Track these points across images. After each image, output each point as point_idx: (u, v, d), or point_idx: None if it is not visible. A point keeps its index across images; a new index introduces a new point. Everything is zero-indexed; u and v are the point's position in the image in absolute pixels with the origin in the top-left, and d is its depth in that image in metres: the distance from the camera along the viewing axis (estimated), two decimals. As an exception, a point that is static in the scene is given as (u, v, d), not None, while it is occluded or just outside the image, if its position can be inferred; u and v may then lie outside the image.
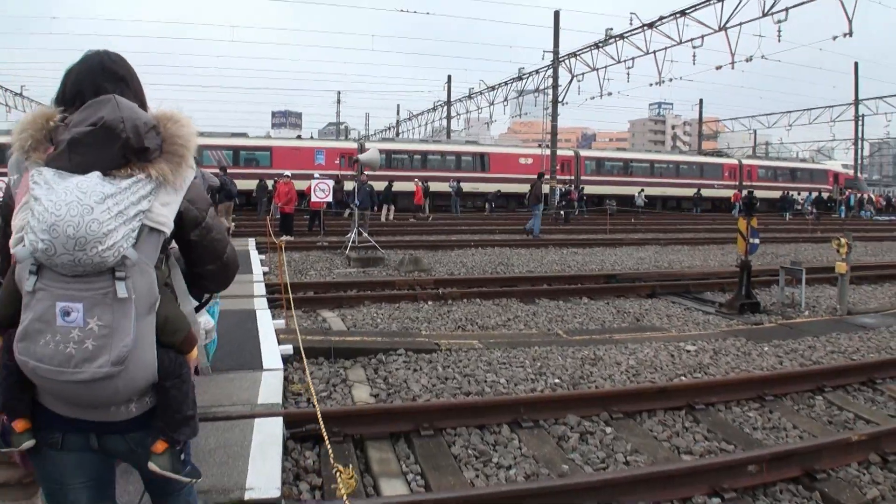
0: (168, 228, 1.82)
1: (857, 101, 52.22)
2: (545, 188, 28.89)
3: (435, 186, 37.41)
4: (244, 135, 39.98)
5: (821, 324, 10.74)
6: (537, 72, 42.12)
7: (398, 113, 72.86)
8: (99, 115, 1.77)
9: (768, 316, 11.53)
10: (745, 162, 54.22)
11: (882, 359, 8.32)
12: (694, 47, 30.00)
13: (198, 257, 2.04)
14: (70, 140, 1.75)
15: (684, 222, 36.14)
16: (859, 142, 55.69)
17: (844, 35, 24.63)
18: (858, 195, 52.23)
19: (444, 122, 59.38)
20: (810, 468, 5.09)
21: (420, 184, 35.02)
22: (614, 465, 5.11)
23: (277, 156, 37.42)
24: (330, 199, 19.24)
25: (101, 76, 1.98)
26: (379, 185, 28.69)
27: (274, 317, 8.38)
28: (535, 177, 27.15)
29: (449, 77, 55.17)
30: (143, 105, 2.00)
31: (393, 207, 33.20)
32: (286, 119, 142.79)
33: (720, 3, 27.78)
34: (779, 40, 25.88)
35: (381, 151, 40.39)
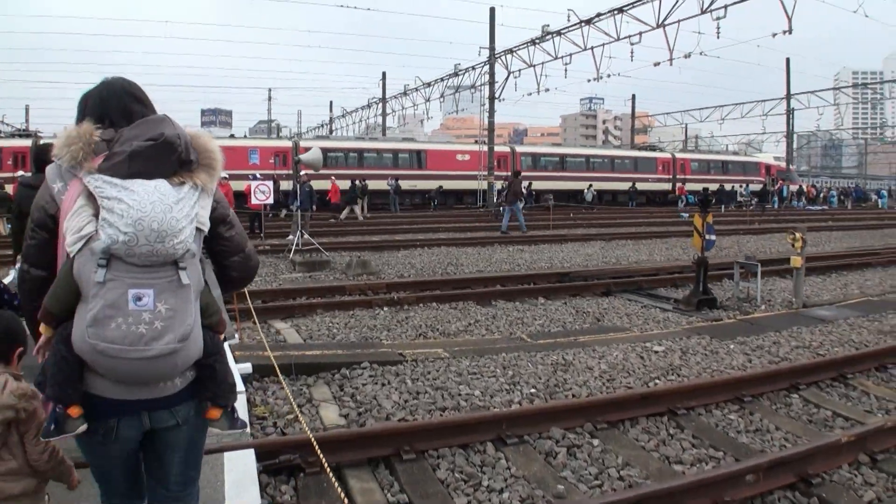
0: (207, 227, 2.15)
1: (788, 96, 53.72)
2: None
3: (372, 184, 36.82)
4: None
5: (780, 318, 10.75)
6: (473, 68, 41.90)
7: (331, 110, 71.90)
8: (159, 131, 2.05)
9: (726, 311, 11.48)
10: (678, 155, 55.26)
11: (850, 354, 8.30)
12: (632, 44, 30.17)
13: (225, 250, 2.32)
14: (131, 152, 2.01)
15: (624, 216, 36.41)
16: (791, 135, 57.27)
17: (784, 32, 25.06)
18: (791, 186, 53.81)
19: (378, 119, 58.85)
20: (805, 473, 4.96)
21: (334, 181, 34.00)
22: (609, 482, 4.83)
23: None
24: (271, 200, 18.52)
25: (126, 98, 2.26)
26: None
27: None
28: (512, 175, 27.40)
29: (384, 74, 54.64)
30: None
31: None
32: (216, 117, 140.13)
33: (658, 1, 28.00)
34: (717, 37, 26.23)
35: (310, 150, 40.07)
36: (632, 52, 30.33)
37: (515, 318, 10.19)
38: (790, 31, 24.73)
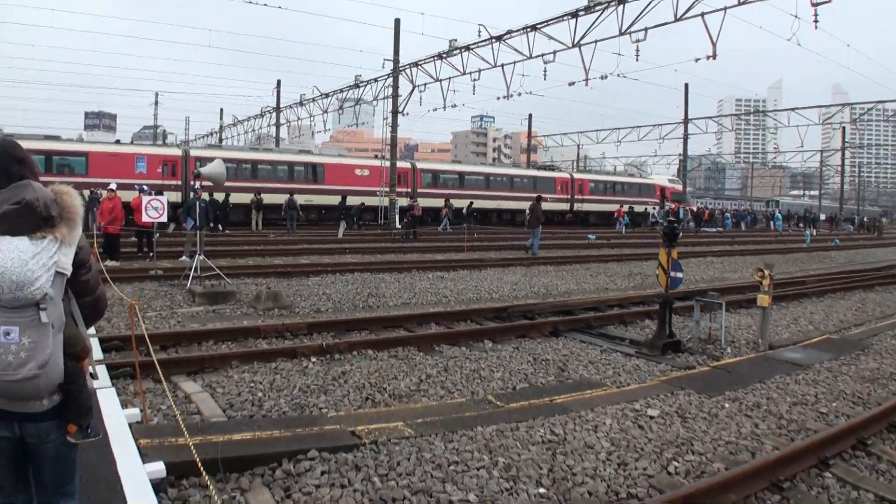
0: (69, 271, 2.55)
1: (686, 120, 54.78)
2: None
3: (266, 198, 34.57)
4: (57, 138, 34.97)
5: (753, 364, 9.75)
6: (376, 80, 40.29)
7: (222, 117, 68.21)
8: (21, 196, 2.50)
9: (692, 356, 10.42)
10: (576, 176, 55.48)
11: (864, 417, 7.26)
12: (545, 63, 29.38)
13: (79, 290, 2.70)
14: (1, 214, 2.46)
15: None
16: (686, 158, 58.53)
17: (708, 58, 24.78)
18: (687, 208, 54.89)
19: (270, 130, 56.20)
20: None
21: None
22: None
23: (94, 162, 32.89)
24: (164, 218, 16.15)
25: (7, 161, 2.65)
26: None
27: (121, 398, 5.93)
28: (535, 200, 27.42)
29: (278, 82, 51.93)
30: (36, 173, 2.74)
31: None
32: (100, 120, 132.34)
33: (574, 20, 27.27)
34: (637, 59, 25.70)
35: (204, 159, 37.20)
36: (545, 71, 29.56)
37: (471, 372, 8.60)
38: (714, 57, 24.48)
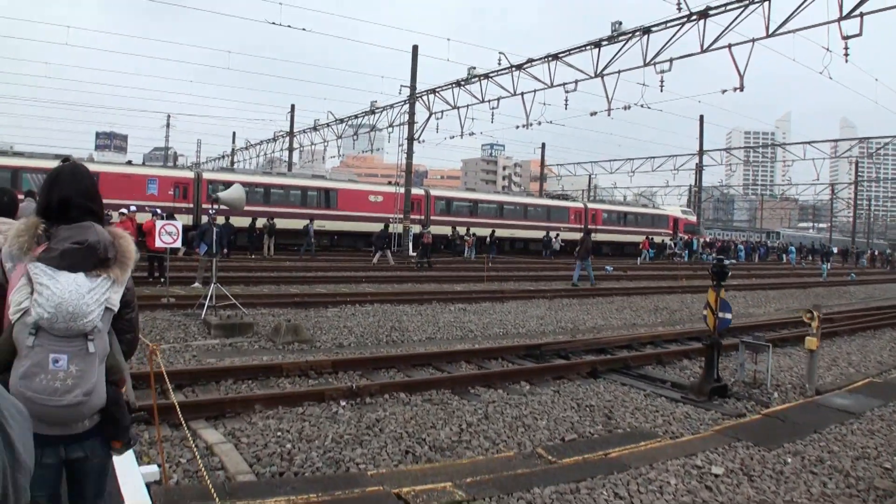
0: (117, 308, 2.71)
1: (701, 152, 54.30)
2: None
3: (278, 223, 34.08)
4: (67, 158, 34.45)
5: (803, 411, 9.07)
6: (392, 106, 39.91)
7: (234, 141, 67.99)
8: (84, 237, 2.66)
9: (738, 401, 9.72)
10: (590, 206, 54.88)
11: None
12: (566, 91, 28.88)
13: (123, 328, 2.84)
14: (63, 251, 2.60)
15: (549, 269, 34.87)
16: (701, 190, 57.96)
17: (735, 89, 24.25)
18: (701, 239, 54.22)
19: (282, 153, 55.93)
20: None
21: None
22: None
23: (105, 183, 32.25)
24: (179, 243, 15.53)
25: (85, 197, 2.84)
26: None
27: (136, 448, 5.27)
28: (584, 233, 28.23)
29: (292, 106, 51.71)
30: (101, 211, 2.96)
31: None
32: (111, 141, 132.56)
33: (597, 50, 26.84)
34: (661, 90, 25.18)
35: (217, 182, 36.76)
36: (566, 100, 29.05)
37: (513, 419, 7.92)
38: (742, 88, 23.94)
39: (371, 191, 42.43)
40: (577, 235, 52.12)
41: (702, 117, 54.18)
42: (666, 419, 8.67)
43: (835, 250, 72.20)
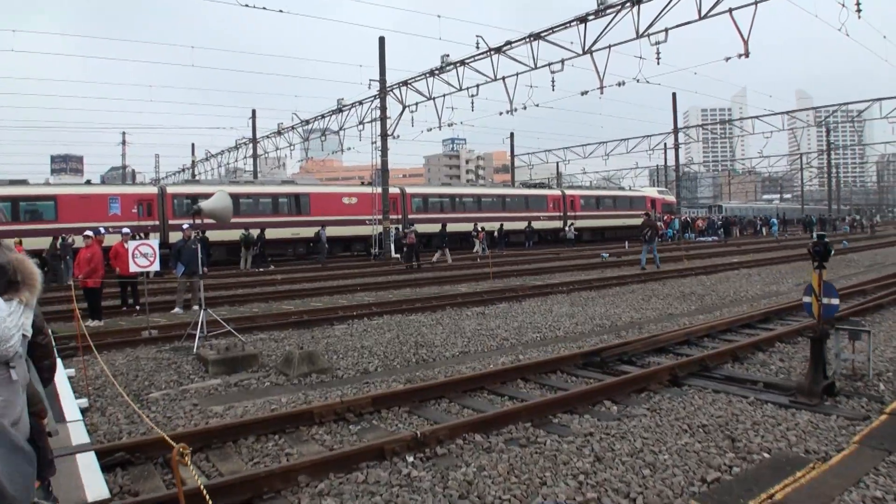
0: (31, 333, 2.66)
1: (675, 130, 52.99)
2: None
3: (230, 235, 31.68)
4: (24, 182, 32.03)
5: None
6: (360, 102, 37.80)
7: (193, 152, 65.10)
8: None
9: (848, 399, 8.11)
10: (567, 192, 53.35)
11: None
12: (553, 72, 27.09)
13: (41, 354, 2.93)
14: None
15: (542, 260, 33.15)
16: (679, 168, 56.66)
17: (739, 56, 22.67)
18: (682, 218, 52.99)
19: (243, 162, 53.51)
20: None
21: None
22: None
23: (64, 206, 30.06)
24: (157, 266, 13.32)
25: None
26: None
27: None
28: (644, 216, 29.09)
29: (253, 111, 49.17)
30: None
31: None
32: (67, 164, 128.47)
33: (583, 25, 25.08)
34: (658, 62, 23.51)
35: (181, 196, 34.41)
36: (552, 81, 27.24)
37: (629, 457, 6.08)
38: (747, 55, 22.37)
39: (345, 192, 40.33)
40: (556, 224, 50.90)
41: (674, 95, 52.88)
42: (796, 434, 6.95)
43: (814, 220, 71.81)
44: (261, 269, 30.40)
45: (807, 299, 8.70)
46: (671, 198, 63.41)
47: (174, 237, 29.09)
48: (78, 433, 6.17)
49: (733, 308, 16.01)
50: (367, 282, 22.91)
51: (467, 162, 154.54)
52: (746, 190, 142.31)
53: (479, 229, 40.21)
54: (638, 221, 56.49)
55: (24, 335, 2.59)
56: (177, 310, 16.66)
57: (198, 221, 12.35)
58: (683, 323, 13.85)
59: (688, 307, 16.28)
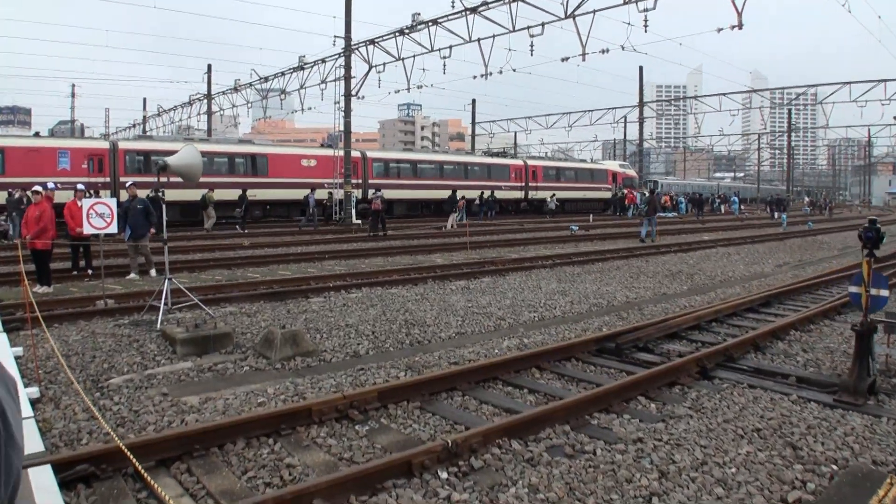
0: None
1: (641, 104, 52.34)
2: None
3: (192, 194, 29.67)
4: None
5: None
6: (324, 60, 36.07)
7: (145, 107, 62.16)
8: None
9: (889, 397, 7.47)
10: (530, 163, 52.44)
11: None
12: (532, 36, 25.88)
13: None
14: None
15: (505, 230, 32.17)
16: (642, 143, 56.15)
17: (732, 28, 21.85)
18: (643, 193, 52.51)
19: (195, 120, 51.24)
20: None
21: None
22: None
23: (11, 159, 28.03)
24: (114, 228, 11.81)
25: None
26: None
27: None
28: (649, 192, 30.26)
29: (209, 66, 46.73)
30: None
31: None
32: (14, 116, 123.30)
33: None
34: (645, 30, 22.53)
35: (133, 152, 32.45)
36: (531, 46, 26.04)
37: (693, 470, 5.17)
38: (740, 26, 21.55)
39: (303, 154, 38.73)
40: (518, 194, 50.04)
41: (641, 68, 52.25)
42: (856, 441, 6.18)
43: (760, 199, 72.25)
44: (246, 231, 29.25)
45: (854, 289, 7.87)
46: (632, 172, 63.12)
47: (126, 195, 27.38)
48: (29, 435, 4.99)
49: (727, 289, 15.34)
50: (334, 249, 21.67)
51: (423, 128, 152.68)
52: (700, 168, 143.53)
53: (461, 197, 39.25)
54: (599, 195, 56.79)
55: None
56: (132, 275, 15.26)
57: (163, 179, 10.93)
58: (684, 305, 13.12)
59: (679, 287, 15.53)
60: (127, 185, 15.51)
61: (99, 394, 7.00)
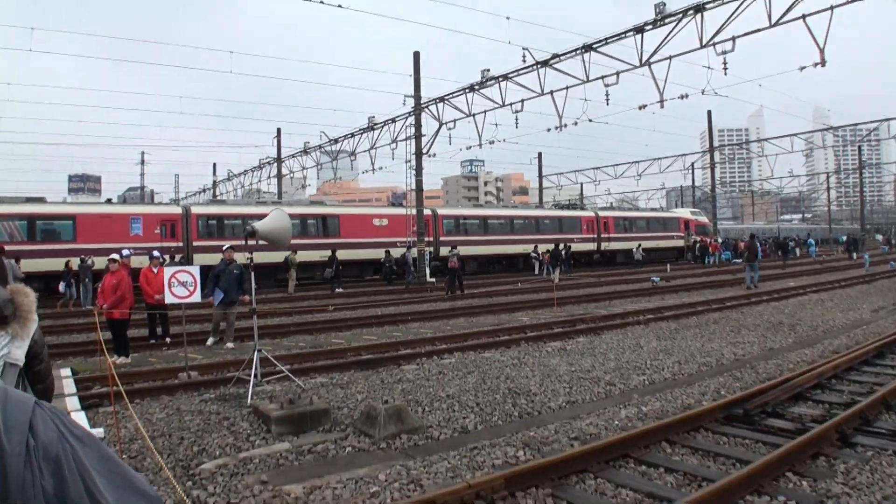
0: (21, 363, 2.44)
1: (711, 149, 51.19)
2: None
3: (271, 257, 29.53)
4: (41, 199, 30.62)
5: None
6: (393, 120, 36.24)
7: (215, 172, 63.63)
8: None
9: None
10: (601, 214, 51.59)
11: None
12: (606, 86, 25.39)
13: (34, 379, 2.62)
14: None
15: (583, 284, 31.28)
16: (714, 189, 54.72)
17: (815, 65, 20.97)
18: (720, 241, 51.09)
19: (269, 182, 52.05)
20: None
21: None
22: None
23: (83, 226, 28.56)
24: (197, 297, 11.53)
25: None
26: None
27: None
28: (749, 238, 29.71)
29: (279, 130, 47.57)
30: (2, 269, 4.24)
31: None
32: (84, 183, 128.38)
33: (640, 35, 23.43)
34: (725, 73, 21.79)
35: (205, 217, 32.88)
36: (607, 95, 25.52)
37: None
38: (823, 64, 20.66)
39: (375, 214, 38.77)
40: (590, 246, 49.09)
41: (709, 112, 51.19)
42: None
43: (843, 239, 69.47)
44: (340, 290, 29.64)
45: None
46: (704, 219, 61.47)
47: (198, 260, 27.55)
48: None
49: (833, 340, 14.30)
50: (414, 310, 21.15)
51: (486, 184, 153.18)
52: (768, 210, 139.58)
53: (545, 251, 39.76)
54: (671, 244, 55.33)
55: (11, 364, 2.41)
56: (210, 340, 14.94)
57: (251, 243, 10.60)
58: (795, 360, 12.13)
59: (784, 340, 14.49)
60: (224, 248, 15.27)
61: (191, 483, 6.47)
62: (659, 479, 6.33)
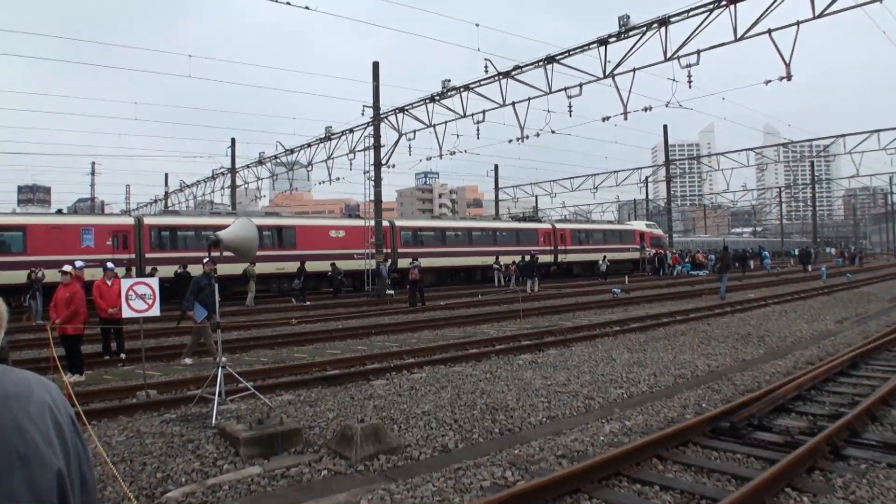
0: None
1: (667, 162, 51.77)
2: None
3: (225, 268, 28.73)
4: None
5: None
6: (351, 130, 35.77)
7: (167, 183, 62.22)
8: None
9: None
10: (558, 226, 51.71)
11: None
12: (569, 97, 25.36)
13: None
14: None
15: (560, 295, 31.18)
16: (670, 202, 55.31)
17: (781, 79, 21.19)
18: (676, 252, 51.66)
19: (216, 195, 51.06)
20: None
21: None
22: None
23: (33, 237, 27.59)
24: (156, 310, 10.86)
25: None
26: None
27: None
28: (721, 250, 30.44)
29: (233, 140, 46.73)
30: None
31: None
32: (34, 194, 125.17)
33: (604, 48, 23.45)
34: (689, 86, 21.90)
35: (158, 227, 31.93)
36: (570, 107, 25.50)
37: None
38: (789, 78, 20.88)
39: (332, 225, 38.18)
40: (547, 258, 49.14)
41: (665, 127, 51.84)
42: None
43: (795, 252, 70.95)
44: (307, 304, 29.04)
45: None
46: (659, 231, 62.15)
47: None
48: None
49: (804, 351, 14.36)
50: (376, 322, 20.68)
51: (440, 196, 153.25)
52: (719, 224, 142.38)
53: (511, 263, 39.90)
54: (627, 255, 55.77)
55: None
56: (186, 360, 14.19)
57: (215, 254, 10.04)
58: (771, 371, 12.09)
59: (755, 351, 14.47)
60: (204, 261, 14.51)
61: (156, 514, 5.97)
62: (656, 497, 6.04)
